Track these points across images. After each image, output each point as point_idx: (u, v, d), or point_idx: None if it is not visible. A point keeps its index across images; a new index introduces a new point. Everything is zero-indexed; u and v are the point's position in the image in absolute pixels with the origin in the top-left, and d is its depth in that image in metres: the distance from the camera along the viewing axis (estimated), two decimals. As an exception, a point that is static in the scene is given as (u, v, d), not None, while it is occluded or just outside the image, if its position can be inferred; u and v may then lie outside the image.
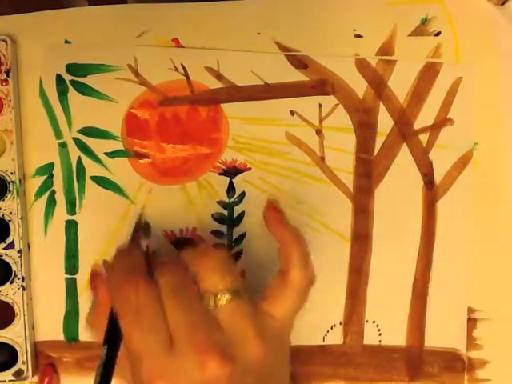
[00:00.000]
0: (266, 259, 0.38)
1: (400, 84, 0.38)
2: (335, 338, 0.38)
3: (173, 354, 0.26)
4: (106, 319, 0.28)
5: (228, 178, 0.38)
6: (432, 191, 0.38)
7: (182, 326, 0.26)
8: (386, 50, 0.38)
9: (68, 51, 0.38)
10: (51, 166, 0.38)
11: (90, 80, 0.38)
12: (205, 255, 0.29)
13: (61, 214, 0.38)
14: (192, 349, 0.26)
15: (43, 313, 0.38)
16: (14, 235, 0.37)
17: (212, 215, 0.38)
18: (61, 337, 0.38)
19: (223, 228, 0.38)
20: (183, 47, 0.38)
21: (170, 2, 0.38)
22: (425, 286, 0.38)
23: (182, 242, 0.38)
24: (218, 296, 0.27)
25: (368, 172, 0.38)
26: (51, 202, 0.38)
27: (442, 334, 0.38)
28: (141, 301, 0.27)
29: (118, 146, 0.38)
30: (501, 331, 0.38)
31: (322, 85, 0.38)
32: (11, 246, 0.37)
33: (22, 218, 0.37)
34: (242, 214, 0.38)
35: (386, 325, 0.38)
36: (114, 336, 0.28)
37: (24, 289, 0.37)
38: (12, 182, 0.37)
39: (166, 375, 0.26)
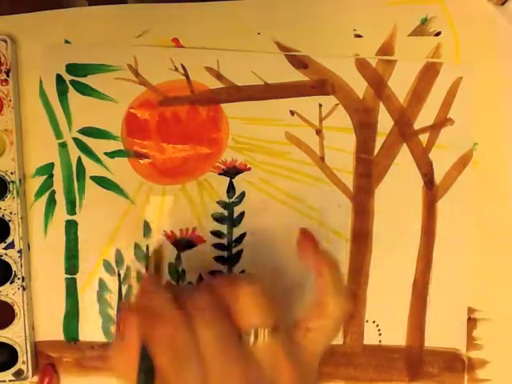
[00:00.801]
0: (266, 259, 0.38)
1: (400, 84, 0.38)
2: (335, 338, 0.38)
3: None
4: (131, 360, 0.27)
5: (228, 178, 0.38)
6: (432, 191, 0.38)
7: (219, 365, 0.26)
8: (385, 50, 0.38)
9: (68, 51, 0.38)
10: (51, 166, 0.38)
11: (90, 80, 0.38)
12: (239, 288, 0.27)
13: (61, 214, 0.38)
14: None
15: (43, 313, 0.38)
16: (14, 235, 0.37)
17: (212, 215, 0.38)
18: (61, 337, 0.38)
19: (223, 228, 0.38)
20: (183, 47, 0.38)
21: (170, 2, 0.38)
22: (425, 286, 0.38)
23: (183, 242, 0.38)
24: (257, 333, 0.27)
25: (368, 172, 0.38)
26: (51, 202, 0.38)
27: (442, 334, 0.38)
28: (178, 343, 0.26)
29: (118, 146, 0.38)
30: (501, 331, 0.38)
31: (322, 85, 0.38)
32: (11, 246, 0.37)
33: (22, 218, 0.37)
34: (242, 214, 0.38)
35: (386, 325, 0.38)
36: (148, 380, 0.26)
37: (24, 289, 0.37)
38: (12, 181, 0.37)
39: None
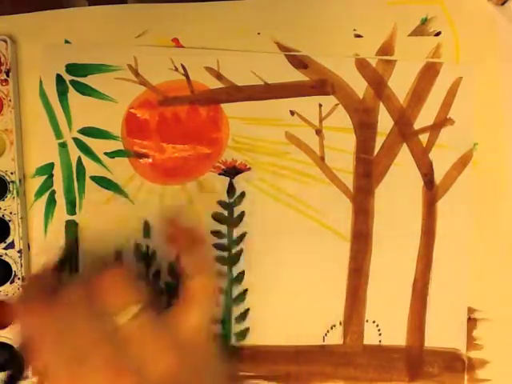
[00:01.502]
0: (266, 259, 0.38)
1: (400, 84, 0.38)
2: (335, 338, 0.38)
3: (84, 371, 0.27)
4: None
5: (228, 178, 0.38)
6: (432, 191, 0.38)
7: (89, 345, 0.27)
8: (385, 50, 0.38)
9: (68, 51, 0.38)
10: (51, 166, 0.38)
11: (90, 80, 0.38)
12: (107, 272, 0.29)
13: (61, 214, 0.38)
14: (102, 367, 0.26)
15: (43, 313, 0.38)
16: (14, 235, 0.37)
17: (212, 215, 0.38)
18: (61, 337, 0.38)
19: (223, 228, 0.38)
20: (183, 47, 0.38)
21: (170, 2, 0.38)
22: (425, 286, 0.38)
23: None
24: (123, 313, 0.28)
25: (368, 172, 0.38)
26: (51, 202, 0.38)
27: (442, 334, 0.38)
28: (46, 324, 0.28)
29: (118, 145, 0.38)
30: (501, 331, 0.38)
31: (322, 85, 0.38)
32: (11, 246, 0.37)
33: (22, 218, 0.37)
34: (241, 214, 0.38)
35: (386, 325, 0.38)
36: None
37: (24, 289, 0.37)
38: (12, 181, 0.37)
39: None
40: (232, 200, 0.38)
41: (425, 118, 0.38)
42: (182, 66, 0.38)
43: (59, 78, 0.38)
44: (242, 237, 0.38)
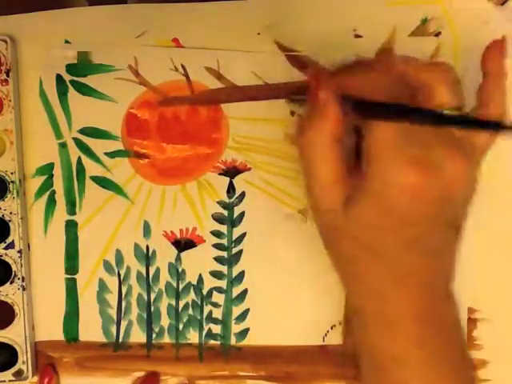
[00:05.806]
0: (266, 259, 0.38)
1: (400, 84, 0.38)
2: (335, 338, 0.38)
3: None
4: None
5: (228, 178, 0.38)
6: (432, 191, 0.38)
7: None
8: (386, 50, 0.38)
9: (68, 51, 0.38)
10: (51, 165, 0.38)
11: (90, 80, 0.38)
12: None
13: (61, 214, 0.38)
14: None
15: (43, 313, 0.38)
16: (14, 235, 0.37)
17: (212, 215, 0.38)
18: (61, 337, 0.38)
19: (223, 228, 0.38)
20: (183, 47, 0.38)
21: (170, 2, 0.38)
22: (425, 286, 0.38)
23: (182, 242, 0.38)
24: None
25: (368, 172, 0.38)
26: (51, 202, 0.38)
27: (442, 334, 0.38)
28: None
29: (117, 145, 0.38)
30: (501, 331, 0.38)
31: (322, 85, 0.38)
32: (11, 246, 0.37)
33: (22, 218, 0.37)
34: (241, 214, 0.38)
35: (386, 325, 0.38)
36: None
37: (24, 289, 0.37)
38: (12, 182, 0.37)
39: None
40: (232, 200, 0.38)
41: (425, 118, 0.38)
42: (182, 66, 0.38)
43: (59, 78, 0.38)
44: (241, 237, 0.38)
